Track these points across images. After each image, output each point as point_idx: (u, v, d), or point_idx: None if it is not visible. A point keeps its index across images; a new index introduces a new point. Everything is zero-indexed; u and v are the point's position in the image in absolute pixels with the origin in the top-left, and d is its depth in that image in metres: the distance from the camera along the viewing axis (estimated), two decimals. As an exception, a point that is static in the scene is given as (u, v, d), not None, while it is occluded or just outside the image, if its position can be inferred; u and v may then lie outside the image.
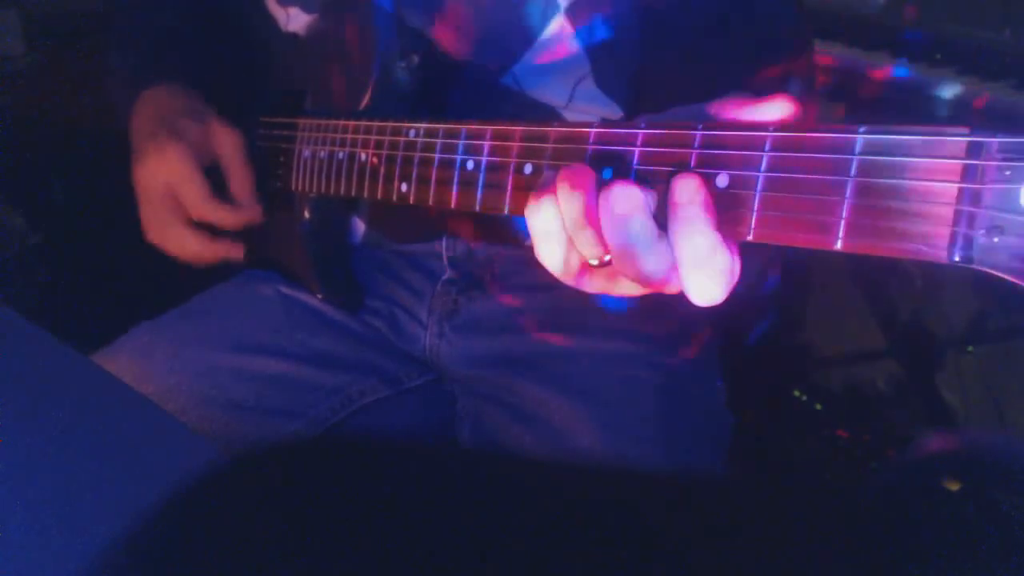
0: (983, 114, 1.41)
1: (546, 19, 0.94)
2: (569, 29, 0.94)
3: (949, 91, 1.46)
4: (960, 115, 1.46)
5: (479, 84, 0.98)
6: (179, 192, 1.00)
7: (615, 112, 1.00)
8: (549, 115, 0.99)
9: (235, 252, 1.05)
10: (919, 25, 1.56)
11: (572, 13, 0.93)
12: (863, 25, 1.63)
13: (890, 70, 1.54)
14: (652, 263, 0.58)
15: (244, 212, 1.01)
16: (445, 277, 1.07)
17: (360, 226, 1.10)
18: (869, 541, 0.57)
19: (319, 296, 1.07)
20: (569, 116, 0.99)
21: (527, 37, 0.95)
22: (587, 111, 0.99)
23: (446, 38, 0.96)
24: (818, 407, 1.78)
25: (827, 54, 1.62)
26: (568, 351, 0.99)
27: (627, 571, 0.55)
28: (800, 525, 0.59)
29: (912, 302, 1.73)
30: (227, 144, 1.02)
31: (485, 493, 0.63)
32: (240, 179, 1.02)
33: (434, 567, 0.55)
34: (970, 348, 1.63)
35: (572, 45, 0.95)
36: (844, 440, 1.70)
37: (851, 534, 0.58)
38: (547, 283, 1.03)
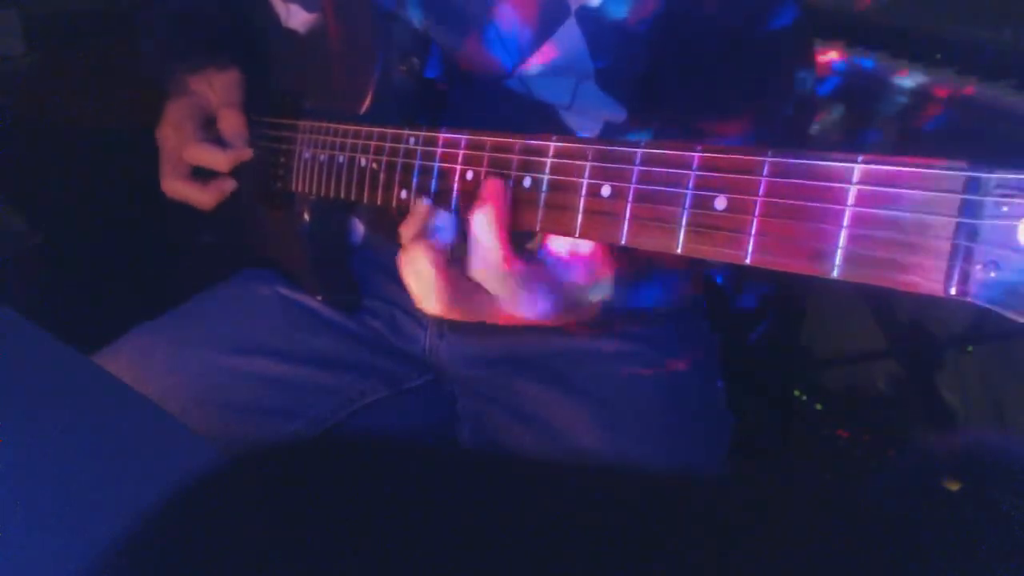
0: (983, 115, 1.41)
1: (556, 23, 0.94)
2: (578, 33, 0.94)
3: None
4: (960, 115, 1.46)
5: (483, 85, 0.98)
6: (175, 141, 1.06)
7: (618, 113, 1.00)
8: (551, 116, 0.99)
9: (225, 187, 1.08)
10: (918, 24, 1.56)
11: (582, 16, 0.94)
12: (863, 25, 1.63)
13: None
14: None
15: (230, 151, 1.05)
16: (445, 277, 1.07)
17: (360, 227, 1.10)
18: (869, 541, 0.57)
19: (318, 297, 1.07)
20: (571, 117, 0.99)
21: (537, 39, 0.95)
22: (590, 112, 0.99)
23: (466, 44, 0.96)
24: (818, 407, 1.78)
25: (827, 53, 1.62)
26: (568, 351, 0.99)
27: (627, 571, 0.55)
28: (800, 525, 0.59)
29: (912, 302, 1.72)
30: (218, 87, 1.07)
31: (485, 493, 0.63)
32: (225, 119, 1.06)
33: (434, 567, 0.55)
34: (970, 348, 1.63)
35: (580, 48, 0.95)
36: (844, 440, 1.70)
37: (851, 534, 0.57)
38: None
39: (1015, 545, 0.56)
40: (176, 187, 1.08)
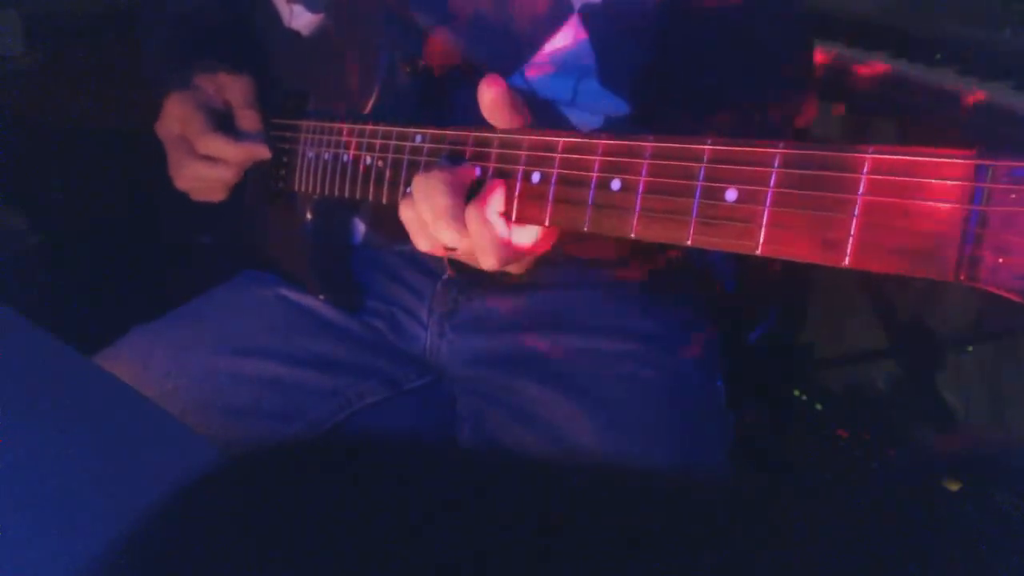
0: (983, 115, 1.41)
1: (559, 20, 0.94)
2: (582, 31, 0.95)
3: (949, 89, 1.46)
4: (960, 115, 1.46)
5: None
6: (184, 132, 1.05)
7: (620, 108, 1.00)
8: (554, 113, 0.99)
9: (245, 161, 1.08)
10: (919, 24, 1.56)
11: (585, 15, 0.94)
12: (863, 25, 1.63)
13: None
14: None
15: (246, 144, 1.05)
16: (445, 277, 1.07)
17: (360, 226, 1.10)
18: (869, 541, 0.57)
19: (320, 297, 1.07)
20: (574, 113, 0.99)
21: (540, 38, 0.95)
22: (592, 108, 0.99)
23: (459, 39, 0.97)
24: (818, 407, 1.78)
25: (826, 53, 1.62)
26: (568, 351, 0.99)
27: (627, 571, 0.55)
28: (800, 525, 0.59)
29: (912, 302, 1.73)
30: (234, 88, 1.08)
31: (485, 493, 0.63)
32: (244, 116, 1.07)
33: (435, 568, 0.55)
34: (970, 348, 1.63)
35: (582, 46, 0.95)
36: (844, 440, 1.70)
37: (851, 534, 0.58)
38: (548, 282, 1.03)
39: (1015, 545, 0.56)
40: (195, 170, 1.07)
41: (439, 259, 1.07)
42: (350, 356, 1.04)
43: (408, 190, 0.77)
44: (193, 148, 1.05)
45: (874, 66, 1.57)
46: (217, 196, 1.11)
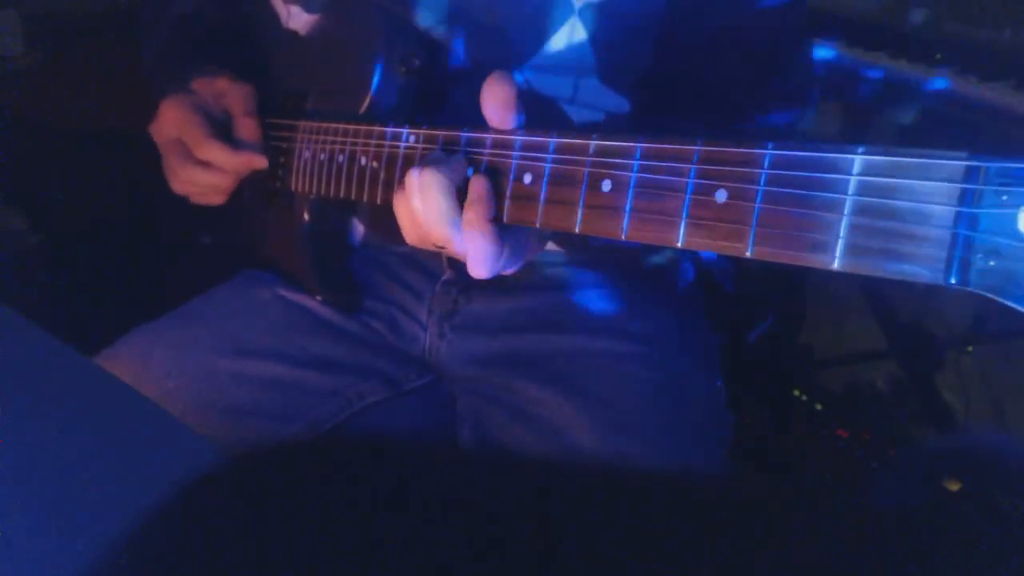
0: (983, 115, 1.41)
1: (559, 21, 0.94)
2: (581, 31, 0.95)
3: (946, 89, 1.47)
4: (958, 114, 1.46)
5: (482, 82, 0.98)
6: (182, 137, 1.04)
7: (621, 106, 1.00)
8: (553, 110, 0.99)
9: (241, 172, 1.07)
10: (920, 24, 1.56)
11: (585, 16, 0.94)
12: (863, 25, 1.63)
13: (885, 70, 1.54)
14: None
15: (244, 154, 1.04)
16: (444, 277, 1.07)
17: (359, 227, 1.10)
18: (869, 541, 0.57)
19: (318, 298, 1.07)
20: (573, 110, 0.99)
21: (540, 38, 0.95)
22: (592, 105, 0.99)
23: (458, 38, 0.97)
24: (818, 407, 1.78)
25: (827, 53, 1.62)
26: (568, 351, 0.99)
27: (627, 571, 0.56)
28: (800, 525, 0.59)
29: (912, 302, 1.73)
30: (234, 95, 1.07)
31: (485, 493, 0.63)
32: (243, 125, 1.06)
33: (435, 568, 0.55)
34: (970, 348, 1.63)
35: (582, 45, 0.95)
36: (844, 440, 1.70)
37: (851, 533, 0.58)
38: (547, 283, 1.03)
39: (1015, 545, 0.56)
40: (192, 175, 1.06)
41: (438, 259, 1.07)
42: (350, 356, 1.04)
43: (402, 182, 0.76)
44: (191, 153, 1.04)
45: (874, 66, 1.57)
46: (214, 201, 1.10)
